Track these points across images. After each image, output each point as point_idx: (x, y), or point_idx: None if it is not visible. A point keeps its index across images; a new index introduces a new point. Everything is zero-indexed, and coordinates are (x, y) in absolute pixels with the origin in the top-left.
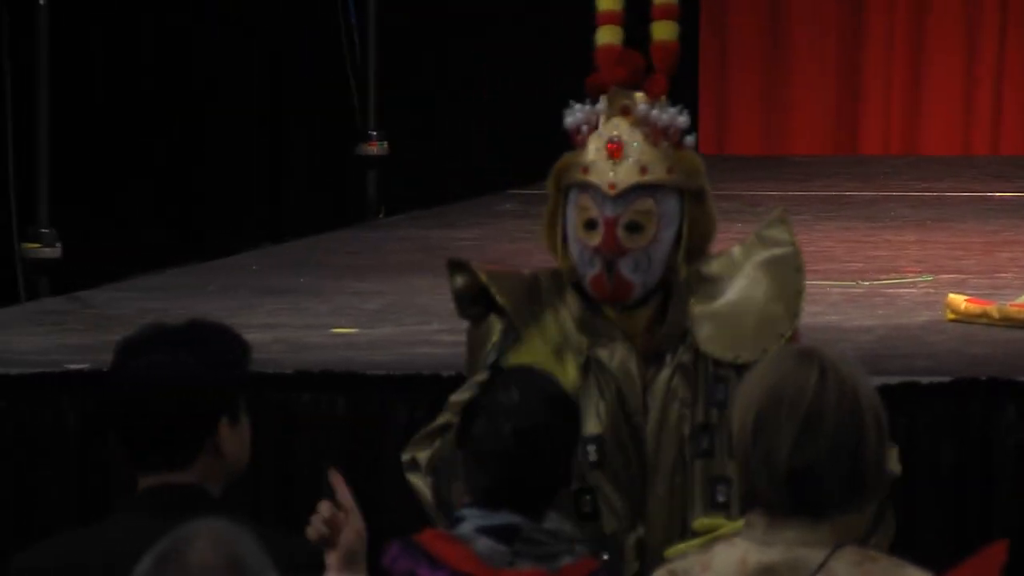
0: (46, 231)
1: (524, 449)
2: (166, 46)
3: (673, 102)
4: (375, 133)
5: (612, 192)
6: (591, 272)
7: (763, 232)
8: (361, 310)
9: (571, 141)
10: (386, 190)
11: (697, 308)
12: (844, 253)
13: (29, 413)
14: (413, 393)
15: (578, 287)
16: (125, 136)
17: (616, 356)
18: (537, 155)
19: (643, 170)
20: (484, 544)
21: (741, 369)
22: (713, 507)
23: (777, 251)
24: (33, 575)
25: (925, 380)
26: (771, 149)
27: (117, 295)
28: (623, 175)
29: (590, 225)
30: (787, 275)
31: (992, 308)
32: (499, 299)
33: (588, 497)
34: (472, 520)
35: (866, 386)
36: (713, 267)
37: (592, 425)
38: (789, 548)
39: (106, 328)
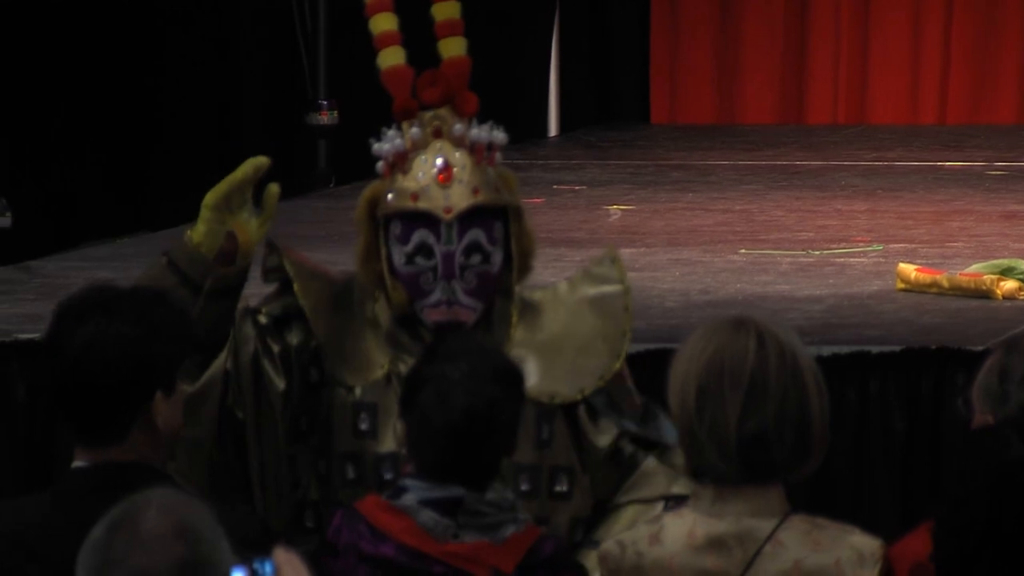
0: None
1: (475, 426)
2: (116, 14)
3: (625, 72)
4: (325, 102)
5: (448, 216)
6: (428, 301)
7: (592, 269)
8: None
9: (384, 169)
10: (336, 160)
11: (518, 339)
12: (794, 223)
13: None
14: None
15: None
16: (75, 105)
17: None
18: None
19: (475, 191)
20: (427, 516)
21: (567, 405)
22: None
23: (606, 288)
24: None
25: (875, 349)
26: (722, 118)
27: (67, 264)
28: (456, 198)
29: (424, 252)
30: (614, 314)
31: (942, 277)
32: (300, 299)
33: (351, 463)
34: (415, 492)
35: (803, 349)
36: (537, 297)
37: (388, 442)
38: (738, 519)
39: (55, 297)
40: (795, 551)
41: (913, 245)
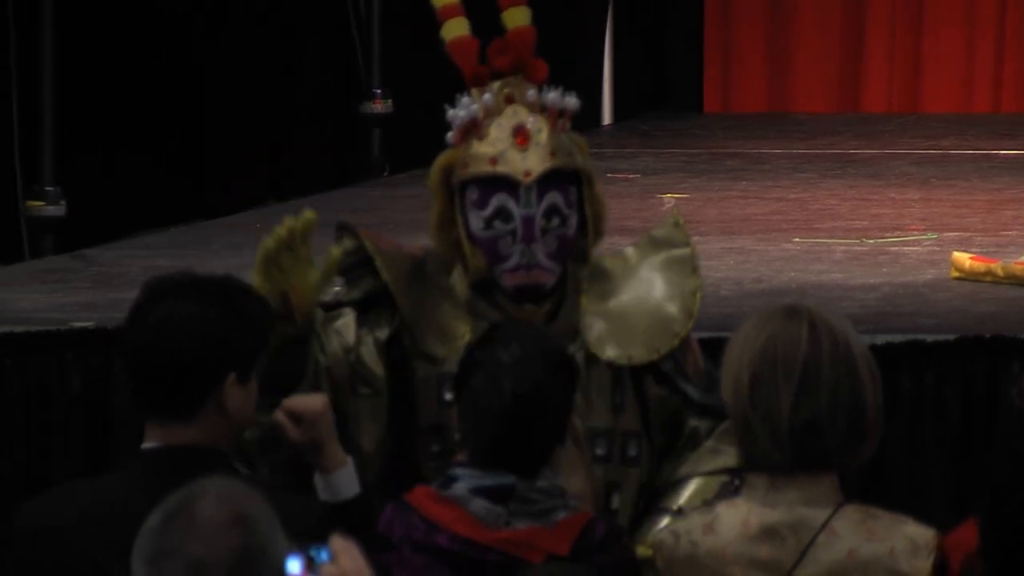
0: (50, 189)
1: (524, 409)
2: (170, 4)
3: (679, 61)
4: (379, 91)
5: (527, 180)
6: (506, 265)
7: (656, 234)
8: None
9: (456, 136)
10: (390, 148)
11: (590, 307)
12: (848, 211)
13: (34, 372)
14: None
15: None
16: (130, 94)
17: None
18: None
19: (552, 154)
20: (479, 505)
21: (636, 371)
22: (608, 510)
23: (674, 252)
24: (40, 523)
25: (930, 338)
26: (775, 106)
27: (122, 253)
28: (534, 162)
29: (502, 216)
30: (683, 275)
31: (996, 266)
32: (383, 273)
33: (437, 436)
34: (466, 480)
35: (856, 337)
36: (607, 265)
37: None
38: (792, 508)
39: (111, 286)
40: (849, 540)
41: (967, 233)
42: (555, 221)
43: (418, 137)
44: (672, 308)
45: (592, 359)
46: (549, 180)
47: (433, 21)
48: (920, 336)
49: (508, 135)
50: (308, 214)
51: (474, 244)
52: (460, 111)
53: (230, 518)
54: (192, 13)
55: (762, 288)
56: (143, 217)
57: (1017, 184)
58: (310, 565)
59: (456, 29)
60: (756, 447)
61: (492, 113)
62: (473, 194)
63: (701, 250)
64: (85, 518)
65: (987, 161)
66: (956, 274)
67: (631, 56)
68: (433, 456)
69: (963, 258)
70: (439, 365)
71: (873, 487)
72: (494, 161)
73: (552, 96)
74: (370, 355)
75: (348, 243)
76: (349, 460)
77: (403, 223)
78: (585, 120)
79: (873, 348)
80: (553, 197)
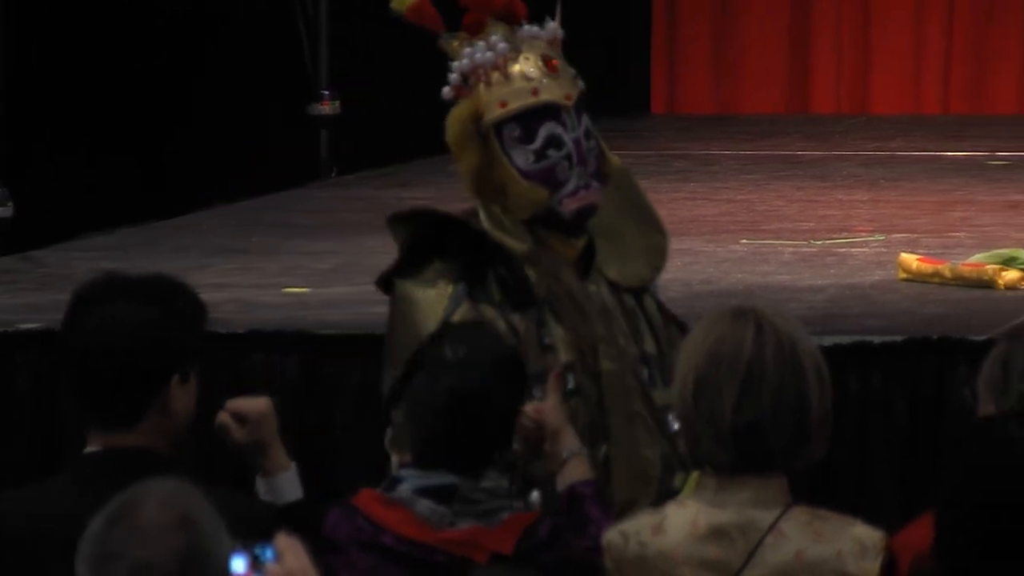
0: None
1: (463, 410)
2: (116, 6)
3: (624, 63)
4: (327, 92)
5: (569, 103)
6: (566, 190)
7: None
8: (313, 270)
9: (455, 89)
10: (339, 149)
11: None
12: (796, 212)
13: None
14: (365, 353)
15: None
16: (77, 96)
17: (566, 282)
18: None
19: (575, 79)
20: (424, 506)
21: (638, 292)
22: (665, 436)
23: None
24: None
25: (877, 340)
26: (723, 108)
27: (69, 254)
28: (569, 86)
29: (555, 144)
30: (653, 231)
31: (944, 267)
32: (513, 245)
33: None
34: (410, 481)
35: (804, 339)
36: None
37: (564, 353)
38: (740, 509)
39: (58, 287)
40: (797, 542)
41: (915, 235)
42: (592, 142)
43: (365, 138)
44: (652, 230)
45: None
46: (578, 103)
47: (382, 22)
48: (867, 337)
49: (540, 65)
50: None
51: (528, 179)
52: (476, 54)
53: (173, 520)
54: (140, 15)
55: (710, 289)
56: (90, 219)
57: (965, 186)
58: (255, 564)
59: None
60: (700, 448)
61: (507, 54)
62: (514, 131)
63: None
64: (30, 522)
65: (935, 163)
66: (903, 275)
67: (579, 57)
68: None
69: (910, 259)
70: (538, 312)
71: (821, 488)
72: (536, 92)
73: (553, 26)
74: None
75: (399, 231)
76: (292, 465)
77: (351, 224)
78: None
79: (821, 349)
80: (585, 119)
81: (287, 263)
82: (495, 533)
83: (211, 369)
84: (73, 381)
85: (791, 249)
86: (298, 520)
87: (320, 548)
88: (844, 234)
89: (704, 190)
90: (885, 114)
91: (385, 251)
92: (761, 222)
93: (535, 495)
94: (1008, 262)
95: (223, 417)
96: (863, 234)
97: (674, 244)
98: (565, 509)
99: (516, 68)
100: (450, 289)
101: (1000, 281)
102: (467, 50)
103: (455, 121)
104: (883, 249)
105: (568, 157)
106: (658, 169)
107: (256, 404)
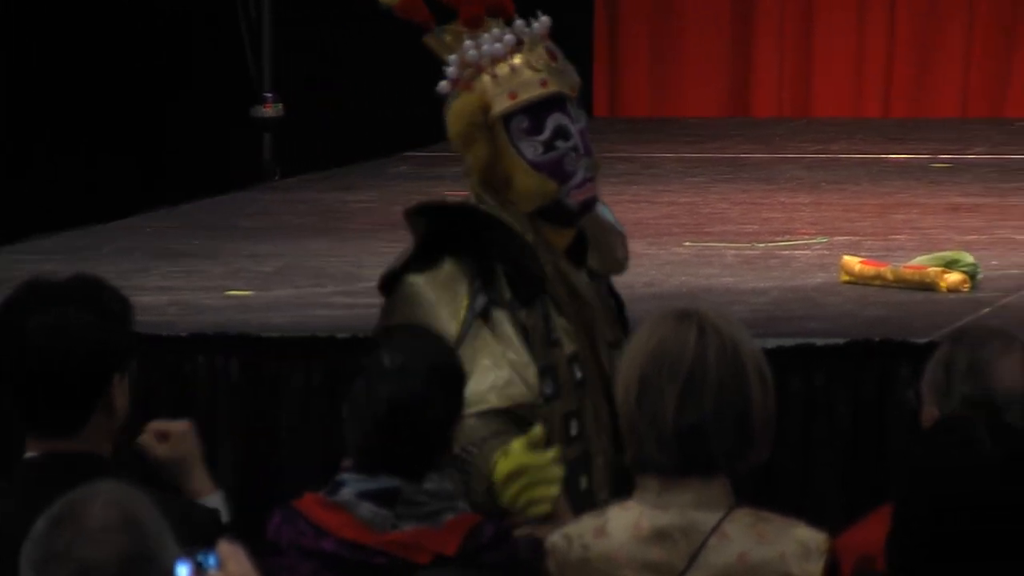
0: None
1: (399, 418)
2: (61, 9)
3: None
4: (270, 95)
5: (574, 94)
6: (574, 182)
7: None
8: (256, 272)
9: (454, 83)
10: (281, 152)
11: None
12: (739, 215)
13: None
14: (308, 355)
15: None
16: (19, 98)
17: (563, 270)
18: (432, 117)
19: (575, 73)
20: (366, 509)
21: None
22: None
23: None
24: None
25: (820, 342)
26: (664, 111)
27: (12, 257)
28: (572, 77)
29: (562, 135)
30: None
31: (886, 270)
32: (504, 215)
33: (575, 420)
34: (352, 485)
35: (748, 342)
36: None
37: (568, 344)
38: (683, 511)
39: (3, 290)
40: (740, 544)
41: (857, 238)
42: (587, 134)
43: (308, 141)
44: (616, 223)
45: (591, 273)
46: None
47: (325, 28)
48: (810, 340)
49: (544, 57)
50: None
51: (538, 170)
52: (484, 46)
53: (118, 522)
54: (81, 16)
55: (653, 292)
56: (35, 221)
57: (907, 188)
58: (198, 570)
59: None
60: (642, 450)
61: (513, 46)
62: (522, 123)
63: None
64: None
65: (877, 165)
66: (846, 278)
67: None
68: (548, 400)
69: (853, 262)
70: (545, 306)
71: (764, 490)
72: (544, 83)
73: (545, 20)
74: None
75: (420, 222)
76: (219, 491)
77: (294, 227)
78: None
79: (764, 351)
80: (581, 111)
81: (230, 266)
82: (438, 535)
83: (155, 372)
84: (14, 392)
85: (734, 252)
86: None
87: (263, 552)
88: (787, 237)
89: (647, 193)
90: (827, 117)
91: (329, 254)
92: (704, 225)
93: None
94: (950, 264)
95: (144, 436)
96: (806, 237)
97: None
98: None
99: (522, 60)
100: (466, 295)
101: (942, 283)
102: (470, 42)
103: (460, 114)
104: (826, 252)
105: (575, 148)
106: (600, 172)
107: (177, 424)
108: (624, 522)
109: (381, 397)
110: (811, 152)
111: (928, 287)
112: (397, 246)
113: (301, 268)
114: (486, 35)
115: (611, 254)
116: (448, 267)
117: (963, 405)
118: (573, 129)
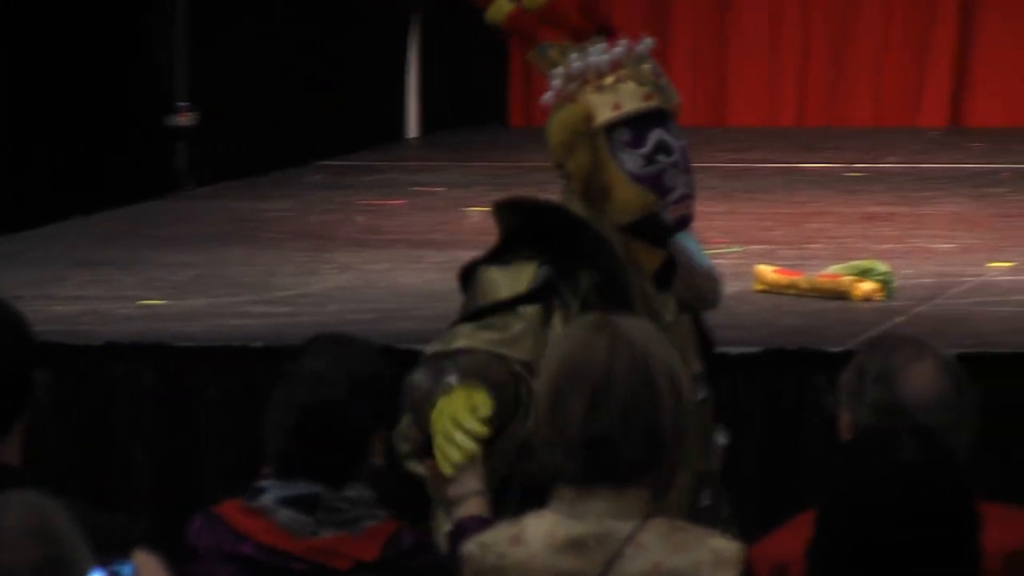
0: None
1: (312, 424)
2: None
3: (481, 75)
4: (185, 104)
5: (677, 110)
6: (672, 197)
7: None
8: (171, 282)
9: (560, 92)
10: (197, 161)
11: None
12: None
13: None
14: (223, 364)
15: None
16: None
17: (647, 292)
18: (347, 127)
19: (675, 91)
20: (286, 515)
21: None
22: (707, 455)
23: None
24: None
25: (735, 351)
26: None
27: None
28: (676, 96)
29: (663, 150)
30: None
31: (801, 279)
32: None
33: None
34: (273, 491)
35: (661, 354)
36: None
37: None
38: (599, 520)
39: None
40: (655, 553)
41: (772, 246)
42: (687, 151)
43: (223, 150)
44: (708, 260)
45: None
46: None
47: (245, 34)
48: (725, 349)
49: (648, 72)
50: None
51: (637, 183)
52: (600, 56)
53: (31, 529)
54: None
55: None
56: None
57: (821, 197)
58: None
59: (503, 7)
60: (552, 459)
61: (620, 59)
62: (624, 135)
63: None
64: None
65: (791, 174)
66: (760, 287)
67: (439, 70)
68: None
69: (767, 271)
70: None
71: None
72: (648, 97)
73: (649, 41)
74: None
75: (513, 219)
76: None
77: (208, 236)
78: (389, 133)
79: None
80: (681, 129)
81: (144, 276)
82: (358, 541)
83: (70, 382)
84: None
85: None
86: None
87: (181, 558)
88: (701, 245)
89: None
90: (741, 126)
91: (243, 263)
92: None
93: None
94: (864, 273)
95: None
96: (720, 246)
97: None
98: (450, 544)
99: (627, 73)
100: (532, 272)
101: (856, 292)
102: (576, 55)
103: (563, 124)
104: (740, 260)
105: (675, 164)
106: (516, 181)
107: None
108: (539, 531)
109: (297, 403)
110: (725, 161)
111: (842, 296)
112: (312, 255)
113: (215, 277)
114: (592, 49)
115: (700, 294)
116: (521, 258)
117: (874, 412)
118: (674, 145)
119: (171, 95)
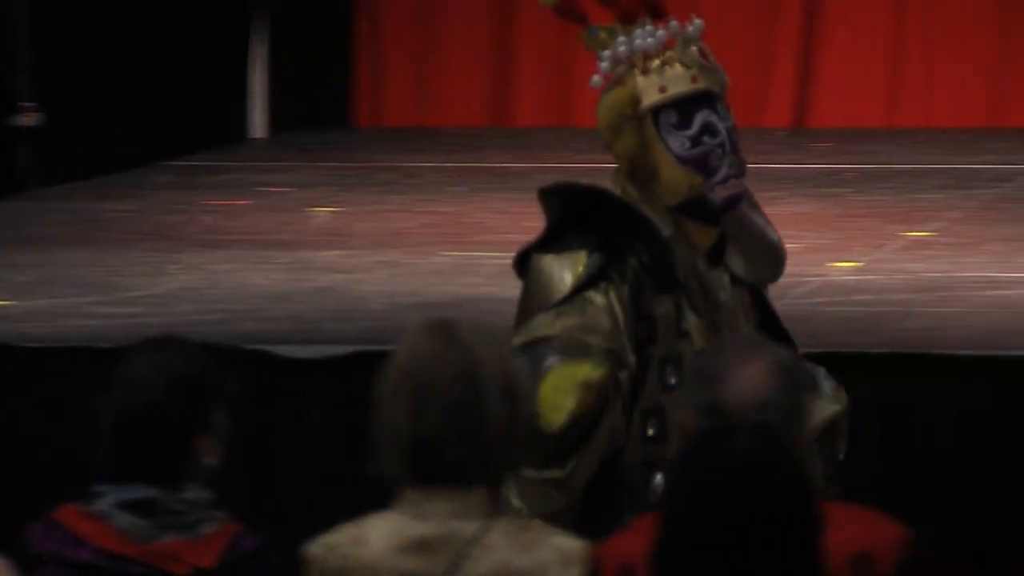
0: None
1: (130, 427)
2: None
3: (326, 75)
4: (30, 104)
5: (724, 92)
6: (717, 177)
7: None
8: (14, 282)
9: (608, 75)
10: (41, 161)
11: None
12: (500, 224)
13: None
14: (68, 366)
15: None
16: None
17: (700, 269)
18: (192, 127)
19: (724, 73)
20: (124, 520)
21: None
22: None
23: None
24: None
25: None
26: (427, 120)
27: None
28: (723, 77)
29: (709, 131)
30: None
31: None
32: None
33: (654, 419)
34: (110, 495)
35: (496, 356)
36: None
37: (698, 340)
38: (443, 521)
39: None
40: (501, 553)
41: None
42: (736, 132)
43: (69, 150)
44: (773, 235)
45: (734, 279)
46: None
47: (86, 35)
48: None
49: (695, 54)
50: None
51: (683, 164)
52: (648, 39)
53: None
54: None
55: (415, 302)
56: None
57: None
58: None
59: None
60: (384, 461)
61: (666, 42)
62: (671, 117)
63: (352, 264)
64: None
65: None
66: None
67: (287, 69)
68: (668, 388)
69: None
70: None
71: None
72: (695, 79)
73: (699, 22)
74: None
75: (557, 205)
76: None
77: (52, 237)
78: (233, 133)
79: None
80: (729, 111)
81: None
82: (196, 546)
83: None
84: None
85: (496, 261)
86: None
87: (26, 565)
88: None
89: (408, 203)
90: (589, 127)
91: (87, 264)
92: (466, 234)
93: (659, 478)
94: None
95: None
96: None
97: (378, 257)
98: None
99: (674, 56)
100: (583, 259)
101: None
102: (623, 38)
103: (611, 106)
104: None
105: (722, 145)
106: (361, 182)
107: None
108: (383, 531)
109: (116, 408)
110: (573, 162)
111: None
112: (157, 255)
113: (60, 278)
114: (639, 31)
115: (761, 266)
116: (571, 242)
117: (698, 413)
118: (721, 127)
119: (14, 94)
